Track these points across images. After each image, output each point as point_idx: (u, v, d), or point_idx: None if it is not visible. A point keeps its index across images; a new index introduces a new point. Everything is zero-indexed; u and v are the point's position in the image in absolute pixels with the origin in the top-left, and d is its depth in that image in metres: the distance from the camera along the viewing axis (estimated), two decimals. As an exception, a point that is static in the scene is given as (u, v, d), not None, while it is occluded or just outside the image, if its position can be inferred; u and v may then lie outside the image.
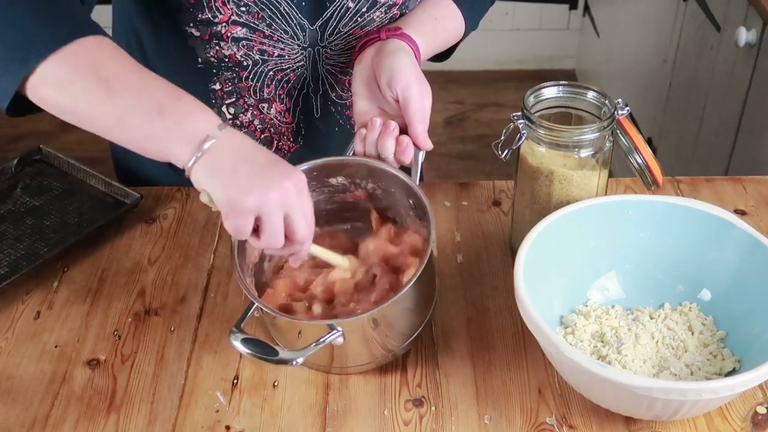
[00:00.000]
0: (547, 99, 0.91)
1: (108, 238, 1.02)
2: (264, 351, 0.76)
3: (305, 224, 0.75)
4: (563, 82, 0.92)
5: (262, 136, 1.06)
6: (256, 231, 0.75)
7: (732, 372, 0.82)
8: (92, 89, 0.73)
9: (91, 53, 0.74)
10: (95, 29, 0.75)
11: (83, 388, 0.84)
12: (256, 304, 0.79)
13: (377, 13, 0.98)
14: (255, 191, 0.71)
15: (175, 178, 1.10)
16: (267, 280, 0.89)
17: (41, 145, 1.11)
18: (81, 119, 0.74)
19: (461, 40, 1.04)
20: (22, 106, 0.77)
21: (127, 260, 0.99)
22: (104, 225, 1.01)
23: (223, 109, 1.02)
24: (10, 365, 0.86)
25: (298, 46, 0.98)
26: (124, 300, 0.94)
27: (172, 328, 0.90)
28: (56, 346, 0.88)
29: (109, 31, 0.90)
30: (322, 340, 0.76)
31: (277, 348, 0.75)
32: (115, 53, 0.75)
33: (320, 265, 0.88)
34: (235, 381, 0.84)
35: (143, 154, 0.75)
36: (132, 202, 1.04)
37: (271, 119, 1.04)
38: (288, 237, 0.75)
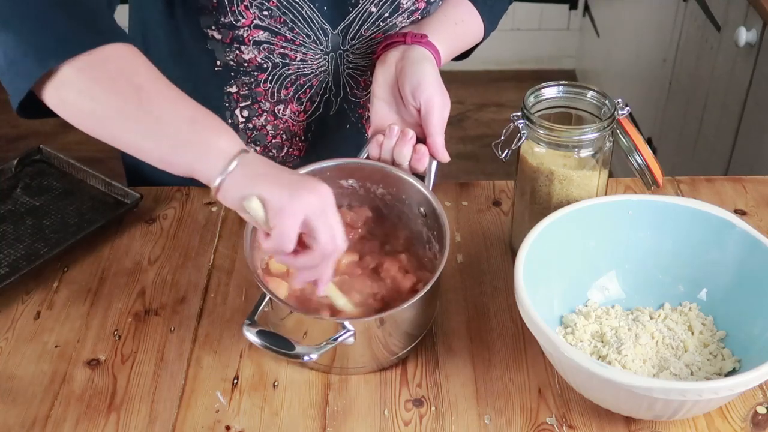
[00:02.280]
0: (547, 99, 0.91)
1: (108, 238, 1.02)
2: (280, 344, 0.76)
3: (343, 231, 0.75)
4: (563, 82, 0.92)
5: (273, 140, 1.05)
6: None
7: (732, 372, 0.82)
8: (122, 96, 0.71)
9: (120, 60, 0.73)
10: (120, 35, 0.74)
11: (83, 388, 0.84)
12: (268, 297, 0.79)
13: (399, 18, 0.99)
14: (301, 194, 0.71)
15: (182, 178, 1.10)
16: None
17: (41, 145, 1.11)
18: (102, 127, 0.73)
19: (480, 42, 1.04)
20: (36, 108, 0.76)
21: (127, 260, 0.99)
22: (104, 225, 1.01)
23: (237, 112, 1.02)
24: (10, 365, 0.86)
25: (321, 51, 0.98)
26: (124, 300, 0.94)
27: (172, 328, 0.90)
28: (56, 346, 0.88)
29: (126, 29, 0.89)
30: (334, 338, 0.77)
31: (293, 342, 0.75)
32: (143, 62, 0.74)
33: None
34: (235, 381, 0.84)
35: (166, 167, 0.74)
36: (132, 202, 1.04)
37: (285, 121, 1.04)
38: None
